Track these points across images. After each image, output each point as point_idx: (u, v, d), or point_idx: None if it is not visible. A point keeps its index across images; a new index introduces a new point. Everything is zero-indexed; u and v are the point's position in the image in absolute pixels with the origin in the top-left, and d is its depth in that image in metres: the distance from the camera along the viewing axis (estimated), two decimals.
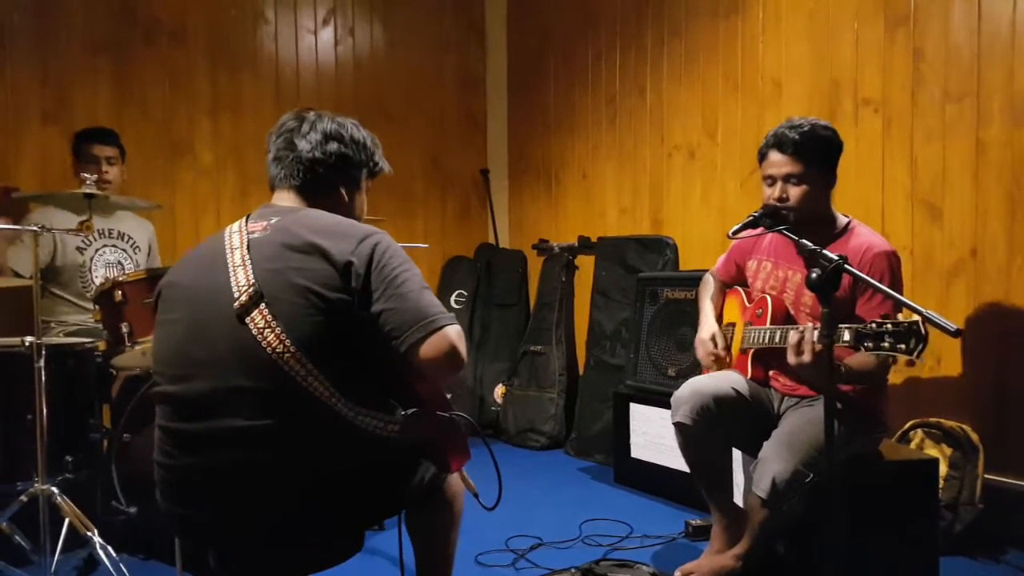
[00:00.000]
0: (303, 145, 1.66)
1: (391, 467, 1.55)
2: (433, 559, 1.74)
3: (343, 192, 1.71)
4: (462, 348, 1.48)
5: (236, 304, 1.47)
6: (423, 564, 1.74)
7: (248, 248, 1.53)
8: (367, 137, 1.75)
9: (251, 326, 1.45)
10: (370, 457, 1.50)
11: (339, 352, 1.47)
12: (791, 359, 2.00)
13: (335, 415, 1.44)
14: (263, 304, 1.46)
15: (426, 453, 1.58)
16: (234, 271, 1.50)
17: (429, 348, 1.45)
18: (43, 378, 2.28)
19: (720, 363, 2.39)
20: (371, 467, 1.52)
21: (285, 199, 1.68)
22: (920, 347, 1.59)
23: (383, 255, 1.50)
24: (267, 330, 1.44)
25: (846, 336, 1.76)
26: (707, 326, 2.48)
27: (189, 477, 1.50)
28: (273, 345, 1.43)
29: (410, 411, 1.49)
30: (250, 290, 1.47)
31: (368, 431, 1.46)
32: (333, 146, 1.67)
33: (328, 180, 1.68)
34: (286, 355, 1.42)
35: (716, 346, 2.39)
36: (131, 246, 3.33)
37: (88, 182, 2.53)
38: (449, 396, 1.70)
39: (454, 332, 1.47)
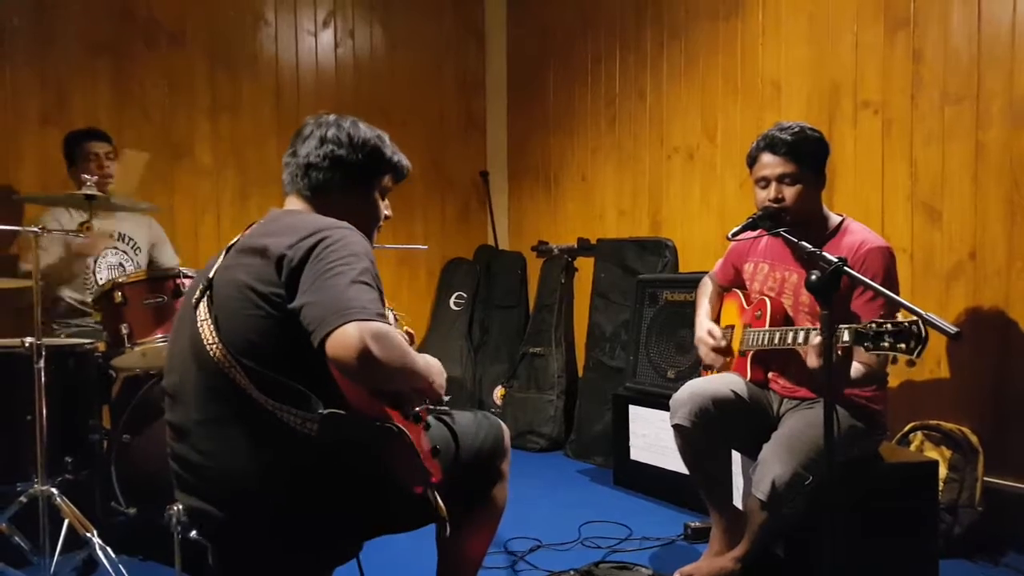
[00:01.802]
0: (303, 149, 1.66)
1: (367, 477, 1.48)
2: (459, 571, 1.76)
3: (348, 194, 1.67)
4: (377, 347, 1.28)
5: (193, 298, 1.54)
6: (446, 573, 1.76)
7: (228, 250, 1.59)
8: (372, 136, 1.69)
9: (197, 319, 1.50)
10: (318, 457, 1.44)
11: (266, 347, 1.44)
12: (812, 363, 1.99)
13: (259, 408, 1.42)
14: (206, 299, 1.51)
15: (384, 469, 1.47)
16: (211, 271, 1.56)
17: (334, 344, 1.29)
18: (43, 379, 2.28)
19: (723, 355, 2.38)
20: (335, 472, 1.46)
21: (292, 203, 1.68)
22: (920, 347, 1.59)
23: (324, 249, 1.41)
24: (205, 323, 1.48)
25: (845, 336, 1.77)
26: (703, 324, 2.48)
27: (183, 465, 1.54)
28: (207, 336, 1.47)
29: (327, 410, 1.39)
30: (202, 285, 1.53)
31: (290, 426, 1.41)
32: (327, 148, 1.64)
33: (326, 183, 1.65)
34: (215, 347, 1.45)
35: (715, 339, 2.39)
36: (132, 247, 3.34)
37: (88, 183, 2.53)
38: (427, 407, 1.60)
39: (367, 328, 1.28)
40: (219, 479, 1.48)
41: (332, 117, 1.70)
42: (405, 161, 1.75)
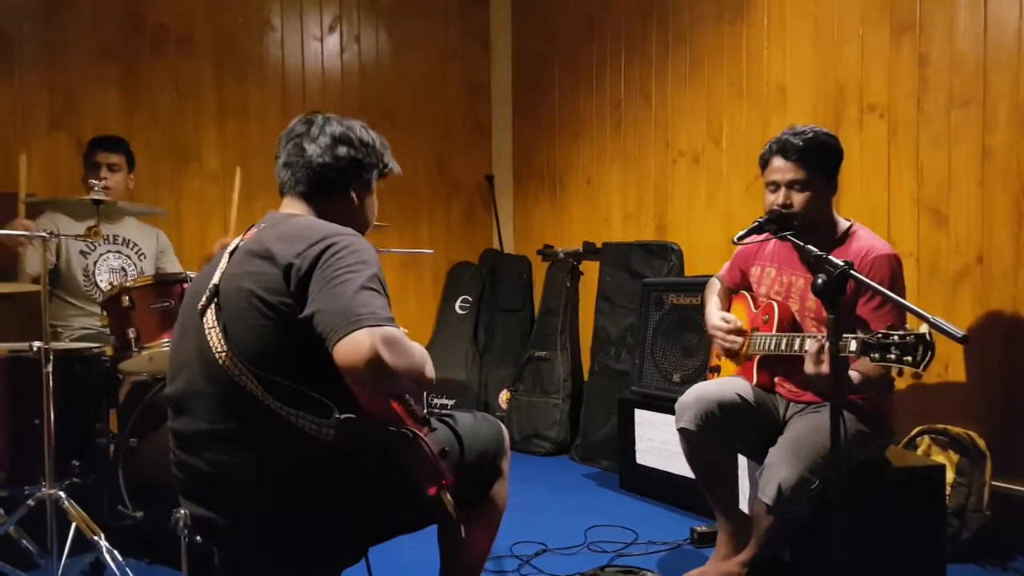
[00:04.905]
0: (312, 149, 1.65)
1: (378, 481, 1.49)
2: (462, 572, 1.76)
3: (353, 196, 1.69)
4: (388, 353, 1.28)
5: (199, 305, 1.52)
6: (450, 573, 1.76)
7: (231, 254, 1.57)
8: (376, 139, 1.73)
9: (205, 327, 1.48)
10: (332, 463, 1.44)
11: (277, 355, 1.43)
12: (809, 368, 1.98)
13: (272, 415, 1.41)
14: (213, 306, 1.49)
15: (400, 473, 1.47)
16: (216, 276, 1.55)
17: (344, 350, 1.29)
18: (51, 383, 2.29)
19: (740, 335, 2.35)
20: (348, 476, 1.47)
21: (291, 206, 1.67)
22: (927, 358, 1.58)
23: (332, 256, 1.42)
24: (212, 331, 1.47)
25: (852, 346, 1.76)
26: (714, 313, 2.46)
27: (188, 474, 1.54)
28: (214, 345, 1.46)
29: (344, 416, 1.38)
30: (209, 291, 1.51)
31: (306, 433, 1.40)
32: (342, 150, 1.65)
33: (337, 184, 1.66)
34: (223, 355, 1.44)
35: (729, 321, 2.37)
36: (136, 253, 3.35)
37: (96, 188, 2.56)
38: (426, 409, 1.59)
39: (378, 334, 1.29)
40: (232, 489, 1.47)
41: (333, 116, 1.70)
42: (397, 166, 1.78)
